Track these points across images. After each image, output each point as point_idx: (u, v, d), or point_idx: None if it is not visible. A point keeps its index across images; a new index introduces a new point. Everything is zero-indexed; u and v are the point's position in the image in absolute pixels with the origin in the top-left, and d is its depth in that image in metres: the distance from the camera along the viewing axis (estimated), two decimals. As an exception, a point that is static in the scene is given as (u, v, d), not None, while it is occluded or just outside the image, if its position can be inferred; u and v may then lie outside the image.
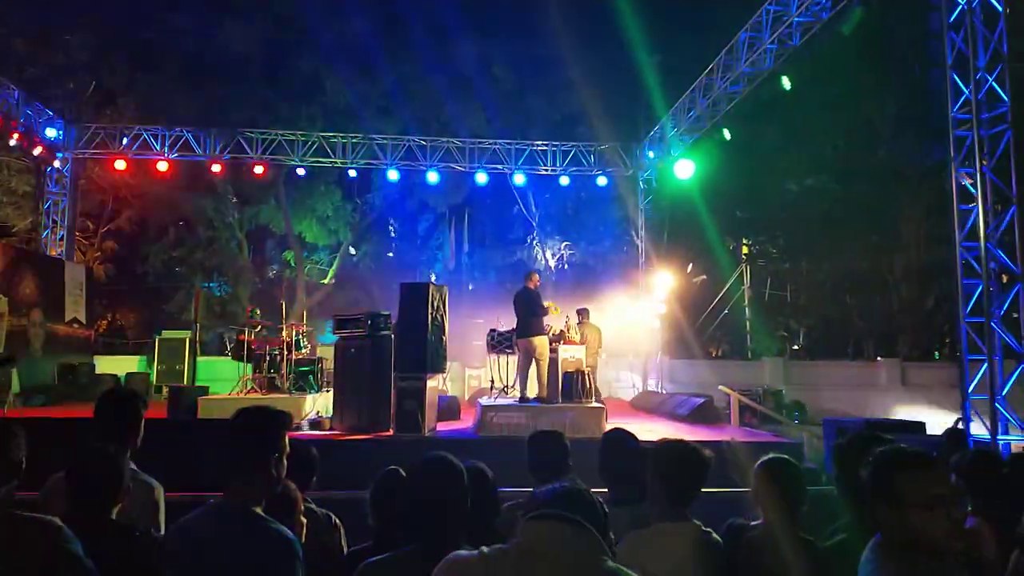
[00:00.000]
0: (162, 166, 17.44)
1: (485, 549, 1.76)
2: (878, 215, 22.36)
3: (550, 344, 11.09)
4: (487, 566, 1.73)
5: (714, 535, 3.09)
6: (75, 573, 2.41)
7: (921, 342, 23.46)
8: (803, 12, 10.98)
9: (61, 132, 17.26)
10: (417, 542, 2.35)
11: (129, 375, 16.56)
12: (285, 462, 2.60)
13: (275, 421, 2.61)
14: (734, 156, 18.66)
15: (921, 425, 9.88)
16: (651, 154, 17.72)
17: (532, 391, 10.83)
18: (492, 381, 12.77)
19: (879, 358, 20.32)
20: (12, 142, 15.67)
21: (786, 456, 3.22)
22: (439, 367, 10.34)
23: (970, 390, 8.53)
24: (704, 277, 25.23)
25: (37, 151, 16.57)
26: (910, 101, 20.27)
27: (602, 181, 18.45)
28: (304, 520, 3.19)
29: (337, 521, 3.61)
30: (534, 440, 3.82)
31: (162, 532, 3.12)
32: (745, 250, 26.68)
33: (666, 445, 3.10)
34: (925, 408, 14.56)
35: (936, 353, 24.56)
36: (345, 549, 3.51)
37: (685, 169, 15.52)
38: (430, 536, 2.32)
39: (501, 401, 10.87)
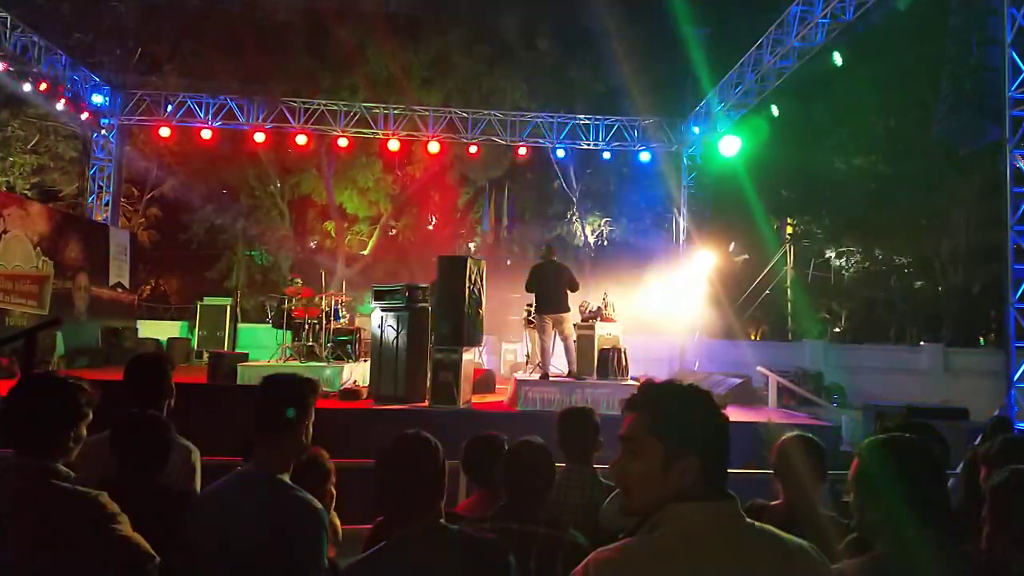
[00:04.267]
0: (206, 134, 17.61)
1: (629, 539, 1.66)
2: (928, 197, 21.81)
3: (586, 320, 11.07)
4: (642, 561, 1.58)
5: None
6: (115, 551, 2.42)
7: (966, 328, 22.94)
8: (857, -15, 10.67)
9: (107, 98, 17.48)
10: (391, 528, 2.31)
11: (171, 340, 16.87)
12: (311, 429, 2.60)
13: (303, 388, 2.60)
14: (782, 133, 18.27)
15: (964, 412, 9.68)
16: (696, 130, 17.45)
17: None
18: (528, 356, 12.76)
19: (922, 343, 19.93)
20: (59, 107, 15.88)
21: (806, 434, 3.20)
22: (475, 340, 10.36)
23: (1016, 377, 8.33)
24: (746, 256, 24.89)
25: (84, 117, 16.81)
26: (966, 79, 19.61)
27: (645, 157, 18.22)
28: (335, 492, 3.20)
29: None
30: (565, 417, 3.80)
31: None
32: (790, 230, 26.26)
33: None
34: (968, 395, 14.25)
35: (982, 339, 24.02)
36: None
37: (731, 146, 15.24)
38: (400, 518, 2.28)
39: (536, 376, 10.86)
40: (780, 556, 1.58)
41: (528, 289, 10.50)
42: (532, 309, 12.41)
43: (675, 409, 1.63)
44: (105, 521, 2.41)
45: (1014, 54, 8.49)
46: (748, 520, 1.60)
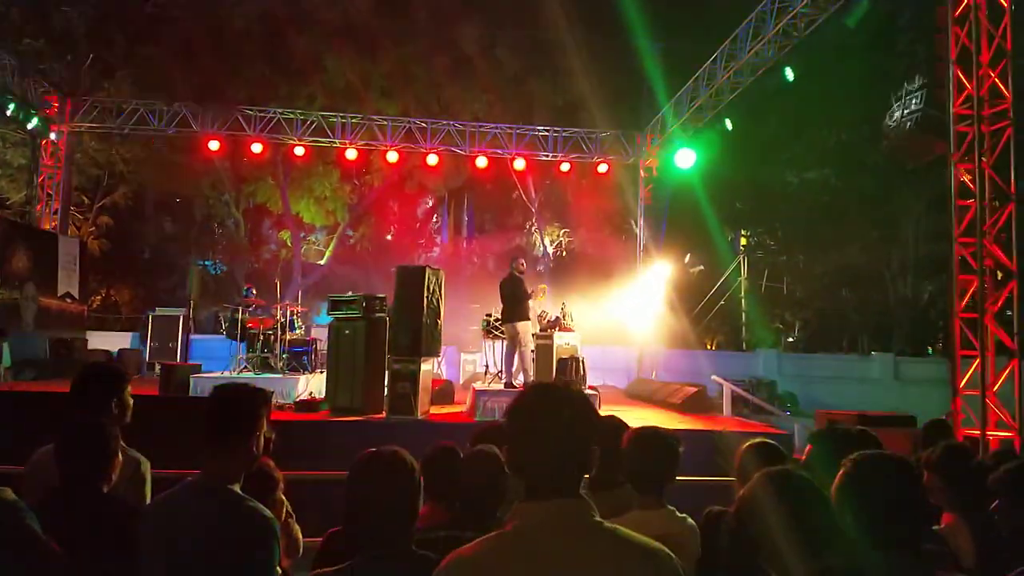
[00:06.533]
0: (159, 142, 17.32)
1: (482, 538, 1.72)
2: (878, 209, 22.34)
3: (545, 331, 11.09)
4: (486, 555, 1.68)
5: (689, 520, 3.10)
6: (30, 549, 2.37)
7: (915, 337, 23.50)
8: (808, 3, 10.90)
9: (58, 105, 17.12)
10: (361, 550, 2.28)
11: (122, 351, 16.52)
12: (263, 440, 2.57)
13: (254, 398, 2.58)
14: (735, 147, 18.57)
15: (912, 419, 9.90)
16: (652, 142, 17.65)
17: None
18: (487, 366, 12.76)
19: (873, 352, 20.36)
20: (8, 114, 15.51)
21: (768, 440, 3.24)
22: (434, 351, 10.33)
23: (961, 385, 8.54)
24: (702, 267, 25.24)
25: (33, 124, 16.41)
26: (912, 95, 20.15)
27: (603, 168, 18.38)
28: (284, 499, 3.17)
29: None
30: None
31: (148, 507, 3.09)
32: (744, 241, 26.67)
33: (638, 433, 3.13)
34: (917, 402, 14.59)
35: (930, 348, 24.60)
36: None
37: (686, 158, 15.46)
38: (372, 536, 2.26)
39: (495, 386, 10.87)
40: (622, 555, 1.65)
41: None
42: (490, 319, 12.58)
43: None
44: (18, 516, 2.37)
45: (958, 71, 8.74)
46: (596, 520, 1.69)
